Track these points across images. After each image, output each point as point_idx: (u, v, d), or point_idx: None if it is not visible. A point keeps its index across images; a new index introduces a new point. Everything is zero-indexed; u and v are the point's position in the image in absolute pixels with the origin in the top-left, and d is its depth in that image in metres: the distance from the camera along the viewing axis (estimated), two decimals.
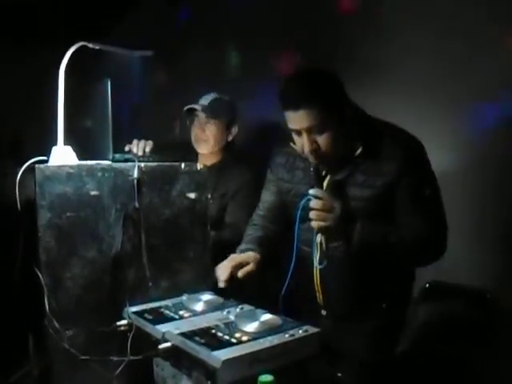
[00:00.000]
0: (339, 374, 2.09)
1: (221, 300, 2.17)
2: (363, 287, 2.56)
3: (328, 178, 2.46)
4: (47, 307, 1.99)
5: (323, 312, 2.61)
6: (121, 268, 2.14)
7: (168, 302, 2.16)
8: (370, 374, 2.32)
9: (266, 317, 1.90)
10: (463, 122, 3.26)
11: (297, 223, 2.46)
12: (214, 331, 1.83)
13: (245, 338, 1.76)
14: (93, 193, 2.10)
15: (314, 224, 2.36)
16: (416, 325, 3.28)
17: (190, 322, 1.93)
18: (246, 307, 2.08)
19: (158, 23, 5.29)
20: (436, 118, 3.35)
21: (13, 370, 2.13)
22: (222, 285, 2.37)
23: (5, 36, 5.01)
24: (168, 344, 1.80)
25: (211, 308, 2.08)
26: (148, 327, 1.95)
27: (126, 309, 2.08)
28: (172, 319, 1.98)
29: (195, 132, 3.52)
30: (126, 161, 2.28)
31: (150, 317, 2.02)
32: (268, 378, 1.56)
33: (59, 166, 2.07)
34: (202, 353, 1.67)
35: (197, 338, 1.76)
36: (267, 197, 2.82)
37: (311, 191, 2.36)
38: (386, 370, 2.54)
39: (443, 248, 2.51)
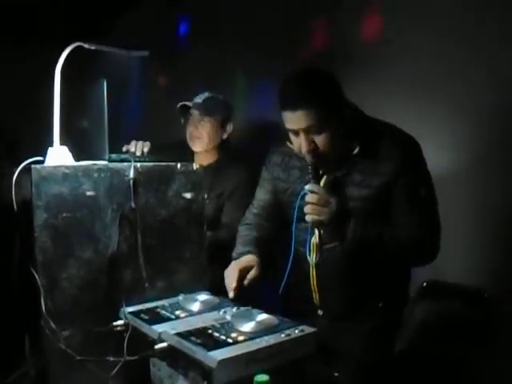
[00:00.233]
0: (336, 374, 2.09)
1: (217, 300, 2.17)
2: (359, 287, 2.56)
3: (325, 177, 2.46)
4: (43, 308, 1.99)
5: (320, 312, 2.60)
6: (117, 268, 2.14)
7: (164, 302, 2.17)
8: (366, 374, 2.32)
9: (262, 317, 1.90)
10: (463, 121, 3.26)
11: (294, 223, 2.46)
12: (210, 331, 1.83)
13: (241, 338, 1.76)
14: (89, 193, 2.10)
15: (309, 218, 2.36)
16: (413, 324, 3.28)
17: (186, 322, 1.93)
18: (242, 307, 2.07)
19: (158, 23, 5.30)
20: (436, 118, 3.35)
21: (10, 370, 2.13)
22: (232, 295, 2.36)
23: (3, 36, 5.02)
24: (164, 344, 1.80)
25: (207, 308, 2.09)
26: (144, 327, 1.95)
27: (122, 309, 2.08)
28: (168, 319, 1.98)
29: (190, 130, 3.55)
30: (122, 161, 2.28)
31: (147, 317, 2.02)
32: (264, 377, 1.56)
33: (55, 167, 2.07)
34: (198, 353, 1.67)
35: (193, 338, 1.76)
36: (262, 195, 2.81)
37: (307, 186, 2.36)
38: (383, 370, 2.54)
39: (437, 249, 2.51)
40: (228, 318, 1.94)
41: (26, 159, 2.10)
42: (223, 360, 1.61)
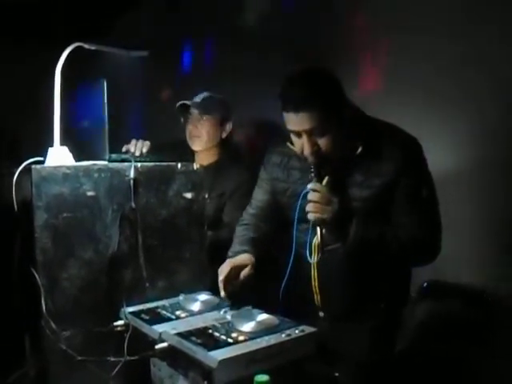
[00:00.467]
0: (336, 374, 2.09)
1: (217, 300, 2.17)
2: (360, 287, 2.55)
3: (327, 177, 2.45)
4: (44, 308, 2.00)
5: (321, 313, 2.59)
6: (117, 268, 2.15)
7: (165, 302, 2.17)
8: (367, 375, 2.31)
9: (263, 317, 1.91)
10: (465, 121, 3.26)
11: (295, 224, 2.46)
12: (210, 331, 1.83)
13: (241, 338, 1.76)
14: (89, 193, 2.10)
15: (311, 216, 2.35)
16: (414, 324, 3.28)
17: (186, 322, 1.94)
18: (243, 307, 2.07)
19: (158, 23, 5.30)
20: (437, 118, 3.35)
21: (10, 370, 2.12)
22: (222, 292, 2.36)
23: (3, 36, 5.02)
24: (165, 344, 1.80)
25: (208, 308, 2.09)
26: (145, 327, 1.95)
27: (122, 309, 2.08)
28: (169, 319, 1.98)
29: (189, 129, 3.56)
30: (123, 161, 2.28)
31: (147, 317, 2.02)
32: (264, 377, 1.56)
33: (55, 167, 2.08)
34: (198, 353, 1.68)
35: (193, 338, 1.76)
36: (260, 195, 2.80)
37: (310, 185, 2.35)
38: (384, 370, 2.54)
39: (438, 249, 2.51)
40: (228, 317, 1.94)
41: (27, 159, 2.10)
42: (223, 360, 1.61)
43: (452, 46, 3.26)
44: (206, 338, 1.77)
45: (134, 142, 3.13)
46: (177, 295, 2.20)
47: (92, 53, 2.40)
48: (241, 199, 3.22)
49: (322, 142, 2.35)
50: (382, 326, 2.60)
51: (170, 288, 2.27)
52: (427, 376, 2.98)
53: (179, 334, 1.81)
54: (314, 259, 2.49)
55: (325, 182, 2.42)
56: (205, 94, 3.59)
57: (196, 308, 2.08)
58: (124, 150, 3.07)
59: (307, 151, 2.35)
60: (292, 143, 2.46)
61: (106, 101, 2.26)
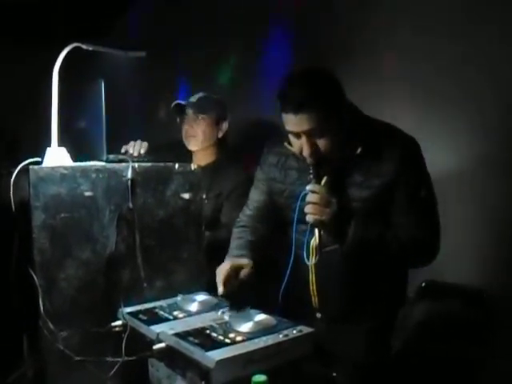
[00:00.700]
0: (334, 374, 2.09)
1: (215, 300, 2.17)
2: (358, 289, 2.54)
3: (326, 177, 2.45)
4: (42, 308, 1.99)
5: (318, 315, 2.58)
6: (115, 269, 2.15)
7: (162, 303, 2.17)
8: (364, 375, 2.31)
9: (260, 317, 1.91)
10: (465, 121, 3.26)
11: (294, 225, 2.45)
12: (208, 331, 1.83)
13: (239, 339, 1.76)
14: (87, 194, 2.10)
15: (310, 218, 2.34)
16: (412, 324, 3.28)
17: (184, 323, 1.93)
18: (241, 307, 2.07)
19: (158, 23, 5.31)
20: (437, 118, 3.35)
21: (8, 371, 2.12)
22: (220, 290, 2.35)
23: (3, 36, 5.01)
24: (162, 344, 1.80)
25: (206, 308, 2.09)
26: (142, 328, 1.95)
27: (120, 309, 2.08)
28: (166, 320, 1.98)
29: (185, 129, 3.58)
30: (120, 161, 2.28)
31: (145, 317, 2.02)
32: (261, 378, 1.56)
33: (53, 168, 2.07)
34: (196, 353, 1.67)
35: (191, 339, 1.76)
36: (256, 196, 2.79)
37: (308, 186, 2.35)
38: (381, 371, 2.54)
39: (436, 249, 2.50)
40: (226, 318, 1.94)
41: (25, 159, 2.11)
42: (221, 360, 1.61)
43: (452, 46, 3.26)
44: (204, 339, 1.77)
45: (132, 143, 3.14)
46: (175, 295, 2.19)
47: (90, 53, 2.40)
48: (238, 199, 3.23)
49: (321, 143, 2.34)
50: (379, 327, 2.59)
51: (167, 288, 2.27)
52: (425, 376, 2.98)
53: (177, 335, 1.80)
54: (311, 261, 2.48)
55: (323, 182, 2.42)
56: (200, 94, 3.61)
57: (194, 308, 2.08)
58: (123, 150, 3.08)
59: (306, 152, 2.34)
60: (289, 143, 2.46)
61: (103, 101, 2.27)
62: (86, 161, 2.22)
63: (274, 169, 2.66)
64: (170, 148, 3.56)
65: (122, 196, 2.17)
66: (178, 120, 3.64)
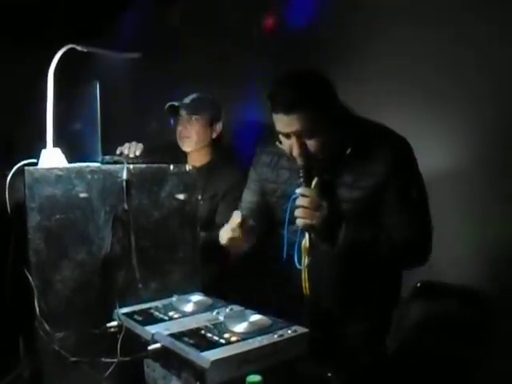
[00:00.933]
0: (329, 374, 2.09)
1: (210, 301, 2.17)
2: (351, 290, 2.54)
3: (316, 178, 2.45)
4: (37, 309, 1.99)
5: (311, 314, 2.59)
6: (110, 270, 2.15)
7: (158, 303, 2.17)
8: (360, 376, 2.31)
9: (255, 317, 1.90)
10: (462, 121, 3.27)
11: (286, 225, 2.46)
12: (203, 332, 1.83)
13: (234, 339, 1.76)
14: (82, 195, 2.10)
15: (300, 222, 2.35)
16: (408, 324, 3.29)
17: (179, 323, 1.94)
18: (236, 308, 2.08)
19: (156, 23, 5.31)
20: (435, 119, 3.36)
21: (4, 372, 2.12)
22: (236, 234, 2.38)
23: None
24: (157, 345, 1.80)
25: (201, 309, 2.09)
26: (138, 328, 1.95)
27: (116, 310, 2.08)
28: (162, 320, 1.98)
29: (179, 130, 3.60)
30: (115, 163, 2.28)
31: (140, 318, 2.02)
32: (256, 378, 1.56)
33: (48, 169, 2.07)
34: (191, 353, 1.68)
35: (186, 339, 1.76)
36: (249, 197, 2.80)
37: (299, 190, 2.35)
38: (376, 371, 2.54)
39: (428, 251, 2.51)
40: (221, 318, 1.94)
41: (21, 161, 2.11)
42: (216, 360, 1.61)
43: (451, 46, 3.27)
44: (199, 339, 1.77)
45: (127, 144, 3.14)
46: (170, 296, 2.20)
47: (85, 54, 2.40)
48: (234, 200, 3.23)
49: (311, 144, 2.34)
50: (372, 328, 2.59)
51: (163, 289, 2.27)
52: (422, 376, 2.99)
53: (172, 335, 1.81)
54: (303, 264, 2.48)
55: (314, 183, 2.42)
56: (194, 95, 3.62)
57: (189, 309, 2.08)
58: (118, 152, 3.08)
59: (296, 152, 2.34)
60: (281, 142, 2.46)
61: (98, 102, 2.27)
62: (81, 162, 2.22)
63: (266, 168, 2.66)
64: (165, 149, 3.57)
65: (117, 197, 2.17)
66: (172, 121, 3.65)
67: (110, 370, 1.93)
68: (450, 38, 3.27)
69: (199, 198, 2.67)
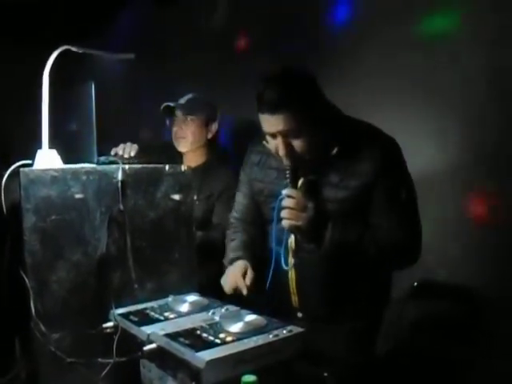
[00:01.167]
0: (325, 374, 2.09)
1: (206, 301, 2.17)
2: (338, 289, 2.53)
3: (302, 179, 2.44)
4: (33, 310, 2.00)
5: (299, 314, 2.57)
6: (106, 270, 2.15)
7: (154, 304, 2.17)
8: (349, 376, 2.29)
9: (251, 317, 1.91)
10: (452, 121, 3.26)
11: (274, 224, 2.45)
12: (198, 332, 1.84)
13: (229, 339, 1.76)
14: (77, 196, 2.11)
15: (285, 223, 2.34)
16: (404, 324, 3.29)
17: (174, 323, 1.94)
18: (231, 308, 2.09)
19: (151, 23, 5.32)
20: (424, 118, 3.36)
21: (0, 373, 2.12)
22: (245, 292, 2.42)
23: None
24: (153, 345, 1.80)
25: (196, 309, 2.09)
26: (133, 329, 1.96)
27: (111, 311, 2.08)
28: (157, 320, 1.99)
29: (174, 130, 3.60)
30: (111, 163, 2.28)
31: (136, 318, 2.03)
32: (251, 378, 1.56)
33: (43, 170, 2.08)
34: (186, 354, 1.68)
35: (181, 339, 1.77)
36: (241, 199, 2.81)
37: (285, 191, 2.34)
38: (366, 371, 2.54)
39: (417, 252, 2.49)
40: (216, 318, 1.94)
41: (17, 162, 2.11)
42: (211, 360, 1.62)
43: (442, 44, 3.27)
44: (194, 339, 1.77)
45: (122, 145, 3.13)
46: (166, 296, 2.20)
47: (80, 55, 2.40)
48: (229, 200, 3.24)
49: (297, 144, 2.33)
50: (362, 327, 2.57)
51: (158, 289, 2.27)
52: (417, 376, 3.00)
53: (167, 335, 1.81)
54: (289, 264, 2.48)
55: (300, 184, 2.41)
56: (189, 96, 3.62)
57: (184, 309, 2.09)
58: (113, 153, 3.08)
59: (282, 152, 2.33)
60: (268, 142, 2.45)
61: (94, 103, 2.27)
62: (76, 163, 2.22)
63: (255, 168, 2.66)
64: (161, 150, 3.57)
65: (112, 198, 2.17)
66: (168, 122, 3.65)
67: (105, 371, 1.93)
68: (441, 35, 3.27)
69: (195, 198, 2.67)
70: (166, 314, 2.05)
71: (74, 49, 2.29)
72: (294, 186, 2.39)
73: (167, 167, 2.32)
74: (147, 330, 1.89)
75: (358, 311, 2.56)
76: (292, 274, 2.53)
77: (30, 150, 2.26)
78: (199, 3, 4.91)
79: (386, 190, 2.39)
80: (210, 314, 2.03)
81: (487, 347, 3.00)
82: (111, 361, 1.93)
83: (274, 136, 2.35)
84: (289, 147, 2.33)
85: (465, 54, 3.14)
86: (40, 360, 2.05)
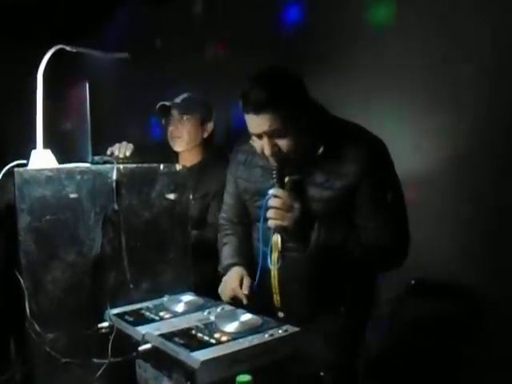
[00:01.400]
0: (322, 373, 2.09)
1: (201, 301, 2.17)
2: (320, 289, 2.52)
3: (287, 178, 2.42)
4: (28, 311, 1.99)
5: (280, 314, 2.55)
6: (101, 270, 2.15)
7: (149, 304, 2.17)
8: (335, 377, 2.26)
9: (246, 317, 1.91)
10: (443, 122, 3.27)
11: (261, 221, 2.44)
12: (193, 332, 1.83)
13: (224, 339, 1.76)
14: (72, 196, 2.10)
15: (271, 223, 2.34)
16: (402, 322, 3.30)
17: (170, 323, 1.94)
18: (227, 307, 2.09)
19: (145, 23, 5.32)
20: (414, 119, 3.37)
21: None
22: (245, 301, 2.44)
23: None
24: (148, 345, 1.80)
25: (192, 309, 2.09)
26: (129, 329, 1.95)
27: (107, 311, 2.08)
28: (152, 320, 1.98)
29: (170, 130, 3.58)
30: (105, 163, 2.28)
31: (131, 318, 2.02)
32: (246, 378, 1.56)
33: (38, 170, 2.07)
34: (181, 354, 1.68)
35: (176, 339, 1.77)
36: (228, 199, 2.82)
37: (271, 191, 2.34)
38: (352, 372, 2.53)
39: (404, 254, 2.48)
40: (212, 318, 1.94)
41: (12, 162, 2.11)
42: (206, 360, 1.61)
43: (432, 43, 3.27)
44: (189, 339, 1.77)
45: (117, 145, 3.13)
46: (161, 296, 2.20)
47: (75, 55, 2.39)
48: None
49: (283, 144, 2.32)
50: (344, 328, 2.55)
51: (154, 289, 2.27)
52: (414, 374, 3.00)
53: (162, 335, 1.81)
54: (274, 264, 2.48)
55: (286, 184, 2.40)
56: (185, 95, 3.61)
57: (180, 309, 2.08)
58: (108, 152, 3.07)
59: (267, 152, 2.32)
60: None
61: (88, 103, 2.26)
62: (71, 163, 2.21)
63: (241, 167, 2.66)
64: (156, 149, 3.57)
65: (107, 198, 2.17)
66: (164, 121, 3.64)
67: (101, 371, 1.93)
68: (435, 33, 3.27)
69: (190, 197, 2.67)
70: (161, 313, 2.05)
71: (67, 48, 2.28)
72: (281, 185, 2.38)
73: (162, 167, 2.32)
74: (142, 330, 1.89)
75: (342, 312, 2.53)
76: (275, 274, 2.52)
77: (25, 149, 2.25)
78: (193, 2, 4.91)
79: (372, 190, 2.38)
80: (205, 313, 2.02)
81: (486, 345, 3.00)
82: (106, 361, 1.93)
83: (259, 136, 2.34)
84: (275, 147, 2.32)
85: None
86: (35, 360, 2.04)
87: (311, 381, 2.00)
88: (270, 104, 2.25)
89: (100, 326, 2.04)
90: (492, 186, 3.12)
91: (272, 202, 2.32)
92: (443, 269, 3.18)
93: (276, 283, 2.53)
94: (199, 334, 1.81)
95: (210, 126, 3.59)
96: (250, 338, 1.76)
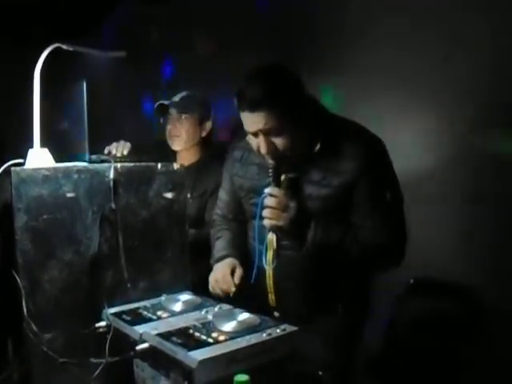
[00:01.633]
0: (320, 373, 2.08)
1: (199, 300, 2.16)
2: (316, 288, 2.51)
3: (284, 176, 2.41)
4: (25, 310, 1.99)
5: (276, 314, 2.53)
6: (99, 269, 2.14)
7: (146, 303, 2.17)
8: (333, 376, 2.24)
9: (244, 316, 1.90)
10: (443, 122, 3.26)
11: (257, 219, 2.43)
12: (191, 331, 1.83)
13: (222, 338, 1.76)
14: (69, 195, 2.09)
15: (267, 222, 2.34)
16: (401, 322, 3.29)
17: (167, 323, 1.93)
18: (224, 306, 2.08)
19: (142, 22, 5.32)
20: (414, 119, 3.36)
21: None
22: (233, 289, 2.41)
23: None
24: (146, 345, 1.80)
25: (189, 308, 2.08)
26: (126, 328, 1.95)
27: (104, 310, 2.08)
28: (150, 320, 1.98)
29: (168, 129, 3.56)
30: (103, 162, 2.28)
31: (128, 318, 2.02)
32: (243, 377, 1.56)
33: (35, 169, 2.06)
34: (178, 353, 1.68)
35: (174, 339, 1.76)
36: (223, 196, 2.80)
37: (267, 189, 2.33)
38: (349, 372, 2.52)
39: (401, 254, 2.46)
40: (209, 317, 1.94)
41: (9, 161, 2.11)
42: (203, 360, 1.61)
43: (431, 41, 3.27)
44: (187, 338, 1.77)
45: (114, 144, 3.13)
46: (159, 295, 2.20)
47: (72, 54, 2.39)
48: None
49: (279, 142, 2.31)
50: (340, 328, 2.54)
51: (151, 288, 2.26)
52: (415, 373, 2.99)
53: (160, 335, 1.81)
54: (269, 264, 2.47)
55: (282, 182, 2.39)
56: (183, 93, 3.59)
57: (177, 308, 2.08)
58: (106, 151, 3.07)
59: (263, 150, 2.31)
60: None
61: (85, 102, 2.26)
62: (68, 162, 2.21)
63: (237, 164, 2.64)
64: (154, 148, 3.56)
65: (104, 197, 2.16)
66: (162, 120, 3.63)
67: (98, 371, 1.93)
68: (434, 32, 3.27)
69: (188, 196, 2.66)
70: (159, 313, 2.05)
71: (64, 46, 2.28)
72: (277, 184, 2.36)
73: (159, 165, 2.32)
74: (140, 329, 1.88)
75: (339, 311, 2.52)
76: (270, 273, 2.50)
77: (22, 148, 2.25)
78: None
79: (369, 188, 2.36)
80: (202, 312, 2.02)
81: (486, 345, 3.00)
82: (104, 360, 1.93)
83: (255, 134, 2.32)
84: (271, 145, 2.30)
85: None
86: (33, 360, 2.04)
87: (309, 380, 1.99)
88: (265, 102, 2.24)
89: (97, 325, 2.04)
90: (492, 185, 3.11)
91: (268, 201, 2.31)
92: (443, 268, 3.17)
93: (271, 282, 2.51)
94: (197, 334, 1.80)
95: (208, 124, 3.58)
96: (247, 337, 1.76)
